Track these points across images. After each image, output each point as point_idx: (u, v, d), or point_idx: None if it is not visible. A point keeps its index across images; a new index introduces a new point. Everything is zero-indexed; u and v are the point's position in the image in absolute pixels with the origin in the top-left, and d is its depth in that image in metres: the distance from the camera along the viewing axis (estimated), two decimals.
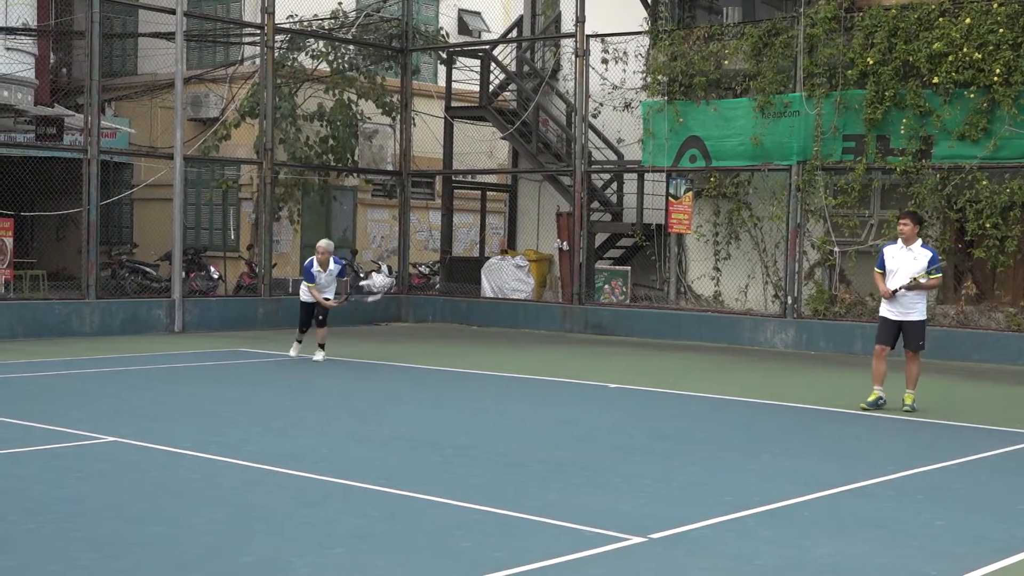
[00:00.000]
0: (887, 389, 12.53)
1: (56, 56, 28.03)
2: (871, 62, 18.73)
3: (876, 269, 12.60)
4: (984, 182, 18.02)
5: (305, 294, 16.82)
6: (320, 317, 16.70)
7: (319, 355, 16.48)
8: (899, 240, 12.47)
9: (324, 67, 24.66)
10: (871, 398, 12.46)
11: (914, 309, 12.31)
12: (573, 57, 22.45)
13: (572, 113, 23.61)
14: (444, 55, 26.22)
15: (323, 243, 16.96)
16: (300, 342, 17.04)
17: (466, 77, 25.85)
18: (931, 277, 12.23)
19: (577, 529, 7.11)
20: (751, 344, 19.85)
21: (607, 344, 19.91)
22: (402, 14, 24.84)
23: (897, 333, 12.41)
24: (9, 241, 19.19)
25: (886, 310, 12.42)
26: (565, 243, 22.83)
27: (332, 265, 16.84)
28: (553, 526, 7.19)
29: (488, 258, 25.10)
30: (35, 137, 24.13)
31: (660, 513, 7.58)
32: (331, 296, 16.81)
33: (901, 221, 12.45)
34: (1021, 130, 17.76)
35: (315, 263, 16.78)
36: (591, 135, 22.99)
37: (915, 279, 12.16)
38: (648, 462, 9.34)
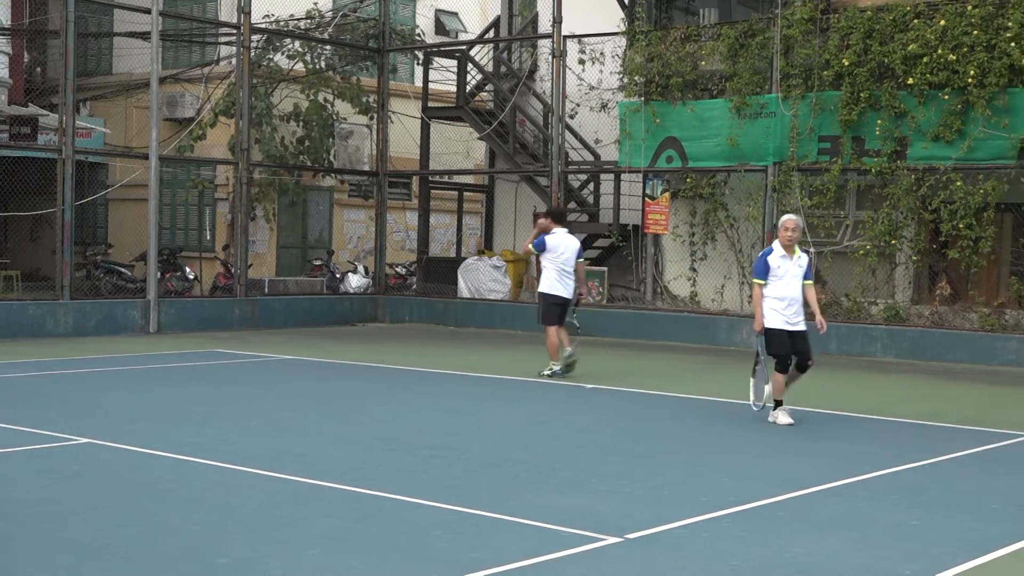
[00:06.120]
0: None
1: (30, 55, 27.89)
2: (846, 63, 18.81)
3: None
4: (958, 183, 18.11)
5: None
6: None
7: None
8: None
9: (300, 67, 24.61)
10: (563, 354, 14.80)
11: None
12: (550, 58, 22.47)
13: (549, 114, 23.62)
14: (421, 55, 26.21)
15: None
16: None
17: (443, 77, 25.83)
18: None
19: (553, 529, 7.11)
20: (727, 344, 19.90)
21: (583, 344, 19.84)
22: (379, 14, 24.80)
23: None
24: None
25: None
26: None
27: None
28: (529, 526, 7.19)
29: (465, 258, 25.08)
30: (9, 137, 23.99)
31: (636, 513, 7.59)
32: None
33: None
34: (995, 131, 17.85)
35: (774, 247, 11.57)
36: (568, 136, 23.01)
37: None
38: (624, 462, 9.35)
